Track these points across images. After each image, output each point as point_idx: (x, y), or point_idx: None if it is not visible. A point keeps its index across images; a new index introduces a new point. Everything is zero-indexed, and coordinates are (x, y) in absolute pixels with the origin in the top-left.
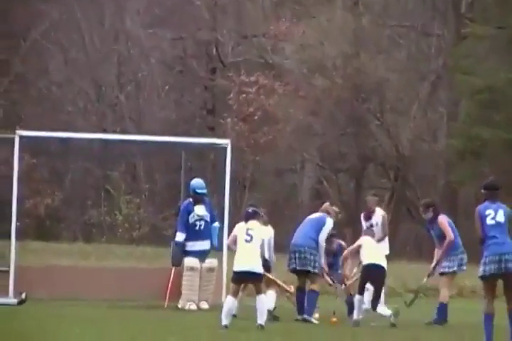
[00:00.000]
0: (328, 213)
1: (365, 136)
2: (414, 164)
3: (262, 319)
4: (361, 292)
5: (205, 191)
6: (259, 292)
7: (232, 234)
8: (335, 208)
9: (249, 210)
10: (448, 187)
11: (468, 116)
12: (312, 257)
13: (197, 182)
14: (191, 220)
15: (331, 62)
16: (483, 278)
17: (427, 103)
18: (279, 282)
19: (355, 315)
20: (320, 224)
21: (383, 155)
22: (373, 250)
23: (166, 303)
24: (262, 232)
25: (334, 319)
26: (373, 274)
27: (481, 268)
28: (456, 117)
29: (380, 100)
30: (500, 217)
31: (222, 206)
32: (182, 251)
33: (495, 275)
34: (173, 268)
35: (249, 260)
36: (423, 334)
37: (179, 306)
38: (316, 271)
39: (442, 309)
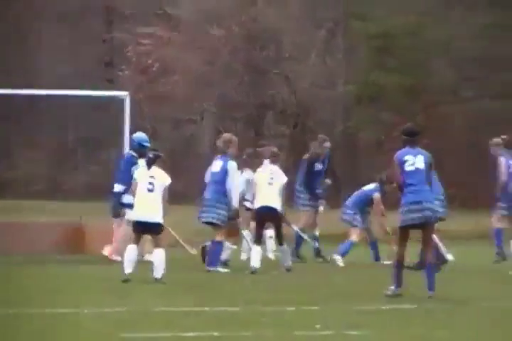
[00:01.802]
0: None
1: (263, 84)
2: (313, 111)
3: (157, 272)
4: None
5: (149, 144)
6: (157, 245)
7: (133, 181)
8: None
9: (151, 155)
10: (346, 133)
11: (365, 62)
12: (215, 209)
13: (142, 135)
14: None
15: (227, 11)
16: (402, 227)
17: (324, 50)
18: (181, 241)
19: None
20: (223, 173)
21: (282, 102)
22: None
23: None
24: (164, 178)
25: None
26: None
27: (401, 218)
28: (353, 63)
29: (277, 48)
30: (420, 163)
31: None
32: (120, 203)
33: (414, 224)
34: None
35: (149, 210)
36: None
37: (104, 253)
38: (219, 222)
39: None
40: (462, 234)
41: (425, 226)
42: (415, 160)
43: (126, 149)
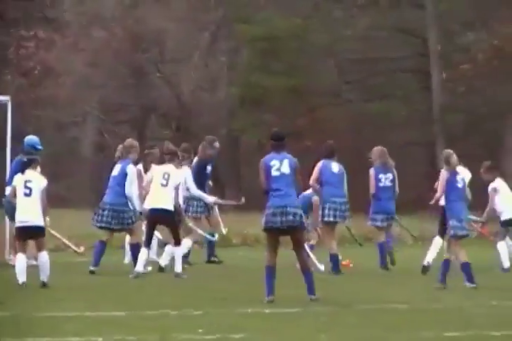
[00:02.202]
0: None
1: (146, 86)
2: (196, 114)
3: (44, 276)
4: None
5: (42, 147)
6: (40, 248)
7: (12, 186)
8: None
9: (25, 159)
10: (230, 136)
11: (249, 65)
12: (116, 214)
13: (34, 138)
14: None
15: (110, 13)
16: (265, 230)
17: (207, 53)
18: (65, 241)
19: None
20: (123, 177)
21: (165, 105)
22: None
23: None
24: (40, 181)
25: (344, 262)
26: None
27: (264, 220)
28: (236, 66)
29: (160, 50)
30: (285, 168)
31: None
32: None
33: (278, 228)
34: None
35: (29, 214)
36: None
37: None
38: (119, 227)
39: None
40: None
41: (291, 231)
42: (281, 165)
43: (8, 153)
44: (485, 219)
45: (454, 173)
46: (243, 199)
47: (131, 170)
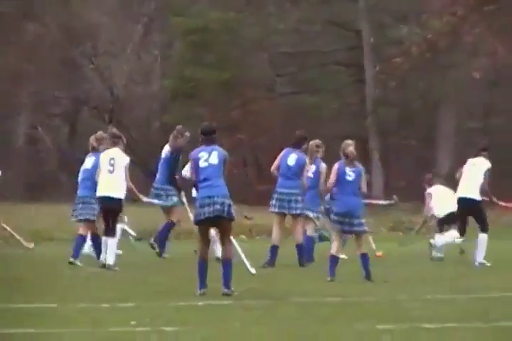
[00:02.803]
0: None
1: (79, 79)
2: (129, 106)
3: None
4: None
5: None
6: None
7: None
8: (112, 130)
9: None
10: (162, 129)
11: (182, 58)
12: (90, 205)
13: None
14: None
15: (43, 7)
16: (197, 222)
17: (140, 45)
18: (16, 236)
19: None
20: (95, 170)
21: (97, 98)
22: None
23: None
24: None
25: (379, 253)
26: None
27: (195, 212)
28: (169, 59)
29: (93, 44)
30: (214, 159)
31: None
32: None
33: (207, 219)
34: None
35: None
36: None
37: None
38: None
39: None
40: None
41: (219, 221)
42: (209, 157)
43: None
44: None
45: (345, 165)
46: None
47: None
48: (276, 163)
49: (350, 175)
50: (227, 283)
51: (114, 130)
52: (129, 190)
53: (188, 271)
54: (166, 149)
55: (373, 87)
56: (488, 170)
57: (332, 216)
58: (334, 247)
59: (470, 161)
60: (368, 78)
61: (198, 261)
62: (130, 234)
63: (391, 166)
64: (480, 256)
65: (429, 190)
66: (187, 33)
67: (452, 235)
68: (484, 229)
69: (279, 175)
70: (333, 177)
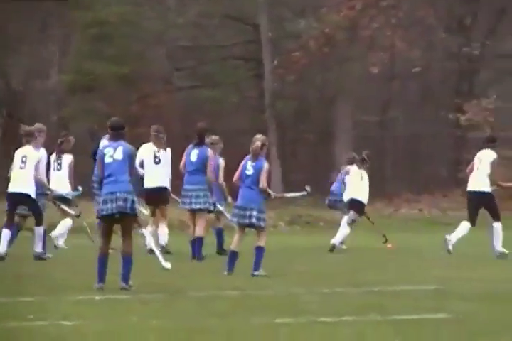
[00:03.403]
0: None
1: None
2: (28, 101)
3: None
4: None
5: None
6: None
7: None
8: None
9: None
10: (60, 123)
11: (80, 51)
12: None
13: None
14: None
15: None
16: (100, 218)
17: (38, 39)
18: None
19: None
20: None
21: None
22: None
23: None
24: None
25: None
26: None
27: (98, 208)
28: (68, 52)
29: None
30: (119, 155)
31: None
32: None
33: (110, 215)
34: None
35: None
36: None
37: None
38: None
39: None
40: None
41: (122, 218)
42: (114, 152)
43: None
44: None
45: (248, 160)
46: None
47: (41, 154)
48: (183, 160)
49: (249, 169)
50: (125, 278)
51: (27, 127)
52: (39, 185)
53: (86, 265)
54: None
55: (271, 81)
56: (494, 160)
57: (233, 209)
58: (234, 242)
59: (478, 154)
60: (266, 72)
61: (98, 256)
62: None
63: (289, 160)
64: (498, 245)
65: (348, 168)
66: (86, 27)
67: (464, 227)
68: (497, 218)
69: (185, 171)
70: (238, 172)
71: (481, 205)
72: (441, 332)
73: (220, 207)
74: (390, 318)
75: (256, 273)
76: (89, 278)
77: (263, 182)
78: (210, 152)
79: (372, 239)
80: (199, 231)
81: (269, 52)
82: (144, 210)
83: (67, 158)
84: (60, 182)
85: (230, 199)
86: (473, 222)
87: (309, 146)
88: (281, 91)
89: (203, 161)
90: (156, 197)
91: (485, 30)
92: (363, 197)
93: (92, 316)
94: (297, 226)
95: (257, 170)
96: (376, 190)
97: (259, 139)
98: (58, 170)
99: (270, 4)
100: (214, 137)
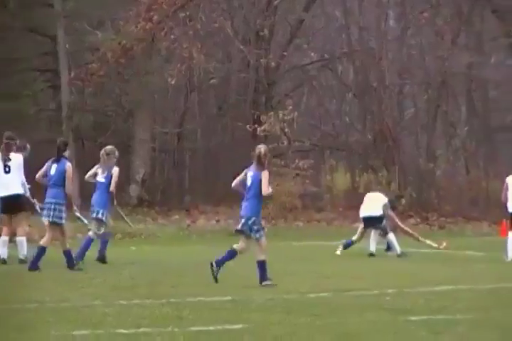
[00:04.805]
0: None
1: None
2: None
3: None
4: None
5: None
6: None
7: None
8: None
9: None
10: None
11: None
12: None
13: None
14: None
15: None
16: None
17: None
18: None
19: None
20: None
21: None
22: None
23: None
24: None
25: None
26: None
27: None
28: None
29: None
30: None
31: None
32: None
33: None
34: None
35: None
36: None
37: None
38: None
39: None
40: None
41: None
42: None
43: None
44: None
45: (247, 171)
46: None
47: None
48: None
49: (249, 179)
50: None
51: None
52: None
53: None
54: None
55: (69, 92)
56: None
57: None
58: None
59: (509, 178)
60: (63, 84)
61: None
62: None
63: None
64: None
65: None
66: None
67: None
68: None
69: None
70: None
71: None
72: None
73: (84, 220)
74: (187, 330)
75: (263, 283)
76: None
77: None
78: (68, 165)
79: (171, 251)
80: (43, 240)
81: (66, 64)
82: None
83: None
84: None
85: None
86: None
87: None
88: (79, 103)
89: (59, 175)
90: (12, 205)
91: (282, 42)
92: None
93: None
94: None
95: (254, 180)
96: (175, 202)
97: (259, 148)
98: None
99: (67, 16)
100: (107, 148)
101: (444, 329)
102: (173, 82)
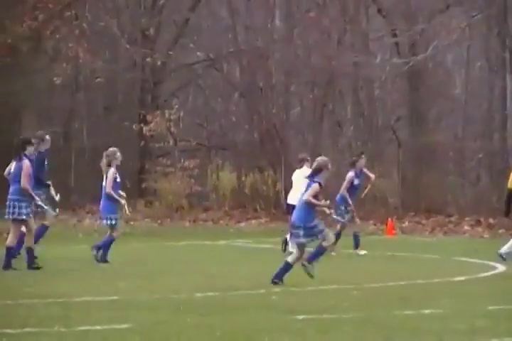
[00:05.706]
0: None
1: None
2: None
3: None
4: None
5: None
6: None
7: None
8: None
9: None
10: None
11: None
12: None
13: None
14: None
15: None
16: None
17: None
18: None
19: None
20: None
21: None
22: None
23: None
24: None
25: None
26: None
27: None
28: None
29: None
30: None
31: None
32: None
33: None
34: None
35: None
36: None
37: None
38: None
39: None
40: None
41: None
42: None
43: None
44: None
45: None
46: None
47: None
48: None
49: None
50: None
51: None
52: None
53: None
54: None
55: None
56: None
57: None
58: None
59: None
60: None
61: None
62: None
63: None
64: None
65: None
66: None
67: None
68: None
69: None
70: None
71: None
72: None
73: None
74: (74, 329)
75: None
76: None
77: None
78: (25, 163)
79: (57, 250)
80: (10, 240)
81: None
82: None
83: None
84: None
85: None
86: None
87: None
88: None
89: (16, 173)
90: None
91: (168, 41)
92: None
93: None
94: None
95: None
96: (61, 201)
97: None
98: None
99: None
100: (111, 149)
101: (331, 328)
102: (58, 82)
